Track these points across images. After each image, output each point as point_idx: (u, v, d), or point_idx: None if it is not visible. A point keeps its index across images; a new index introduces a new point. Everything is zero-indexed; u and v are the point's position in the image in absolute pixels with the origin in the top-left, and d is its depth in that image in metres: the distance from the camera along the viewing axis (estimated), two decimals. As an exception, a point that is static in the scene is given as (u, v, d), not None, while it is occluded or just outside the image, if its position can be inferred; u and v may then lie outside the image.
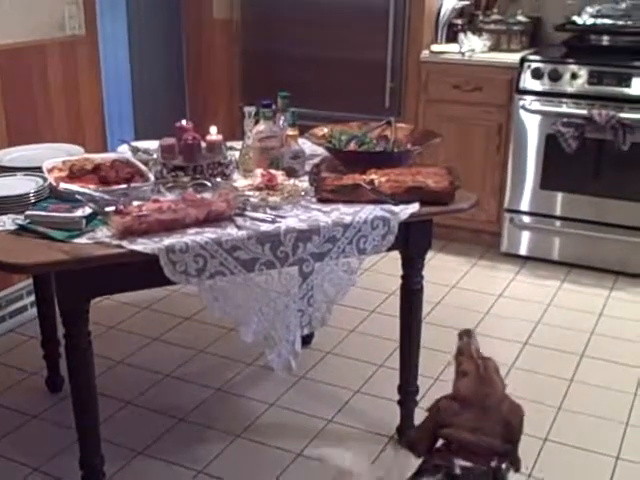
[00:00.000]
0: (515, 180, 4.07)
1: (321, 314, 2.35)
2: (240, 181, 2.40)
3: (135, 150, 2.67)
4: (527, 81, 3.92)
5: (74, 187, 2.25)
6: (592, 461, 2.58)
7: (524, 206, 4.10)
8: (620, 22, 4.04)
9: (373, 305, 3.60)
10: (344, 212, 2.24)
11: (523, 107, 3.93)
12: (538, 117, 3.93)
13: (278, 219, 2.16)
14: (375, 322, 3.48)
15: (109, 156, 2.56)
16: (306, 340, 3.24)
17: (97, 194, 2.20)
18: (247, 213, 2.19)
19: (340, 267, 2.35)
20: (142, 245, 1.99)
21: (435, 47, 4.17)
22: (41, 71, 3.48)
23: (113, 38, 5.09)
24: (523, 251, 4.17)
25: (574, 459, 2.59)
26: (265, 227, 2.12)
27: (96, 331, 3.27)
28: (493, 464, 1.68)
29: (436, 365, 2.98)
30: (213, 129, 2.47)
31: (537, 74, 3.90)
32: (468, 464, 1.66)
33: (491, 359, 1.85)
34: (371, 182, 2.38)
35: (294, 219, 2.18)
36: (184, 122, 2.48)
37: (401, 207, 2.27)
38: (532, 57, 3.96)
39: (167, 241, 2.01)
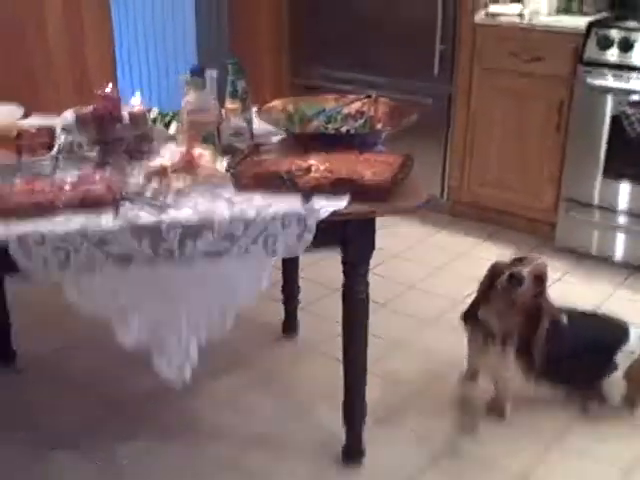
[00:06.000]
0: (574, 166, 3.51)
1: (220, 318, 1.97)
2: (158, 159, 2.07)
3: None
4: (593, 51, 3.33)
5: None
6: None
7: (582, 196, 3.53)
8: None
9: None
10: (255, 205, 1.88)
11: (587, 82, 3.35)
12: (603, 94, 3.33)
13: (169, 209, 1.83)
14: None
15: (34, 123, 2.31)
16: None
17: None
18: (140, 199, 1.87)
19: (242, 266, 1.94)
20: (-8, 229, 1.72)
21: (493, 7, 3.63)
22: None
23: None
24: (579, 247, 3.62)
25: None
26: (146, 218, 1.80)
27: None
28: None
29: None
30: (135, 99, 2.13)
31: (605, 43, 3.29)
32: None
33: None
34: (307, 169, 2.00)
35: (188, 210, 1.84)
36: (108, 88, 2.15)
37: (324, 202, 1.88)
38: (601, 22, 3.36)
39: (21, 229, 1.74)
